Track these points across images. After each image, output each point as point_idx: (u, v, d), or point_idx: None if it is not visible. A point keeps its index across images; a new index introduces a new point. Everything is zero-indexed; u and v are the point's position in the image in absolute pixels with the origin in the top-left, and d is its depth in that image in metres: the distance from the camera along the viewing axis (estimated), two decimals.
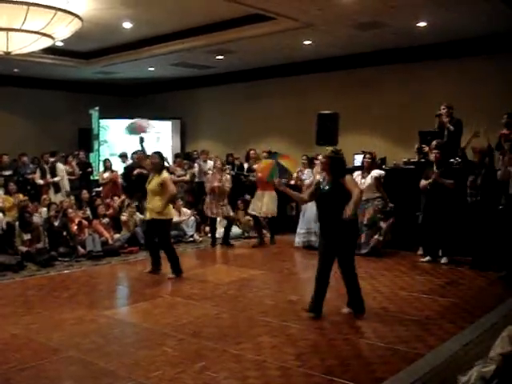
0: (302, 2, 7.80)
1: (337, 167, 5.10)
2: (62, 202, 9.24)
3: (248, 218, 10.25)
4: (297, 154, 11.40)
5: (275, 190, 8.94)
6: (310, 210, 8.66)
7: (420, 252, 8.13)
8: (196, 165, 11.45)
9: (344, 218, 4.75)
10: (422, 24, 8.94)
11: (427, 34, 9.50)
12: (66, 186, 10.75)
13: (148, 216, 7.00)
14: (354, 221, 5.11)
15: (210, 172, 9.67)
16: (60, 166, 10.87)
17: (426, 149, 8.41)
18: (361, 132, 11.41)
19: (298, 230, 9.06)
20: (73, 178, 11.20)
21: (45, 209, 8.99)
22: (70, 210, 8.77)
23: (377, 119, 11.30)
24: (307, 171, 9.28)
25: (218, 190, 9.07)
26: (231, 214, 9.49)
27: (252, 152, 11.15)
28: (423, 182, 7.69)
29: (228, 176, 9.41)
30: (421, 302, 5.67)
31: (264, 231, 9.70)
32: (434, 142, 7.90)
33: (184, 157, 12.65)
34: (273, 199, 9.26)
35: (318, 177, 8.78)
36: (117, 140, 14.54)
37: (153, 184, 6.91)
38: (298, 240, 9.00)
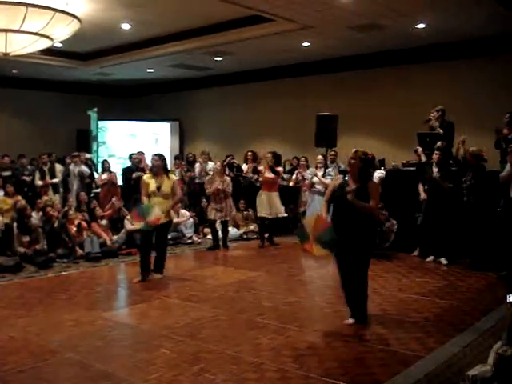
0: (301, 3, 7.80)
1: (366, 171, 4.94)
2: (55, 203, 9.24)
3: (247, 221, 10.29)
4: (296, 155, 11.45)
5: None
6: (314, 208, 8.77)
7: (415, 253, 8.17)
8: (197, 165, 11.43)
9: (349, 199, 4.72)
10: (421, 26, 8.96)
11: (426, 36, 9.51)
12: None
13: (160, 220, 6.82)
14: (374, 227, 5.06)
15: (211, 173, 9.67)
16: (58, 167, 10.87)
17: (419, 150, 8.41)
18: (360, 133, 11.41)
19: None
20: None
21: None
22: (70, 212, 8.75)
23: (376, 121, 11.30)
24: (309, 171, 9.40)
25: (219, 193, 9.05)
26: (232, 213, 9.47)
27: (249, 154, 11.15)
28: (422, 188, 7.84)
29: (228, 178, 9.41)
30: (419, 304, 5.67)
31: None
32: (439, 144, 7.98)
33: (186, 161, 12.57)
34: (278, 199, 9.31)
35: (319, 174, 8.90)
36: (115, 141, 14.58)
37: (165, 187, 6.79)
38: None
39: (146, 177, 6.99)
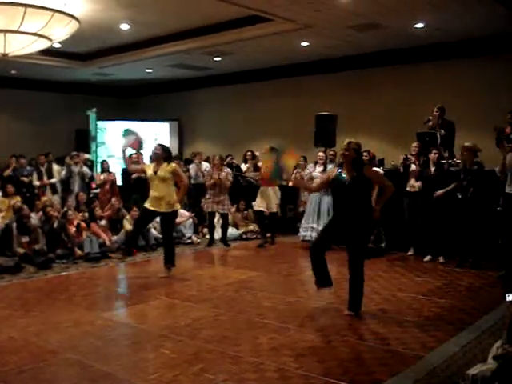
0: (300, 3, 7.80)
1: (359, 160, 5.18)
2: (54, 204, 9.22)
3: (247, 221, 10.31)
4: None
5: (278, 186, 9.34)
6: (311, 206, 8.78)
7: (410, 252, 8.19)
8: (191, 166, 11.43)
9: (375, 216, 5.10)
10: (420, 25, 8.95)
11: (425, 35, 9.50)
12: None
13: (161, 208, 6.91)
14: (371, 217, 5.20)
15: (206, 173, 9.73)
16: (55, 167, 10.86)
17: (413, 159, 8.41)
18: (359, 133, 11.32)
19: (303, 223, 9.13)
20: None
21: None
22: (69, 212, 8.74)
23: (375, 120, 11.30)
24: (308, 167, 9.44)
25: (219, 184, 9.07)
26: (232, 210, 9.49)
27: (248, 154, 11.16)
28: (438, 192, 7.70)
29: (228, 170, 9.44)
30: (419, 304, 5.67)
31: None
32: (414, 144, 8.16)
33: (185, 162, 12.58)
34: (277, 194, 9.36)
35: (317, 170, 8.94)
36: (114, 142, 14.55)
37: (161, 171, 6.91)
38: (303, 233, 9.05)
39: (146, 165, 7.37)
